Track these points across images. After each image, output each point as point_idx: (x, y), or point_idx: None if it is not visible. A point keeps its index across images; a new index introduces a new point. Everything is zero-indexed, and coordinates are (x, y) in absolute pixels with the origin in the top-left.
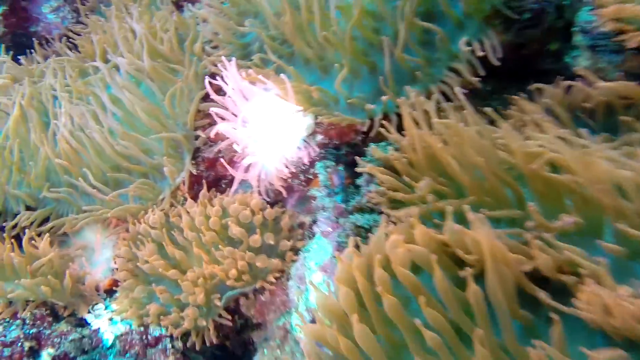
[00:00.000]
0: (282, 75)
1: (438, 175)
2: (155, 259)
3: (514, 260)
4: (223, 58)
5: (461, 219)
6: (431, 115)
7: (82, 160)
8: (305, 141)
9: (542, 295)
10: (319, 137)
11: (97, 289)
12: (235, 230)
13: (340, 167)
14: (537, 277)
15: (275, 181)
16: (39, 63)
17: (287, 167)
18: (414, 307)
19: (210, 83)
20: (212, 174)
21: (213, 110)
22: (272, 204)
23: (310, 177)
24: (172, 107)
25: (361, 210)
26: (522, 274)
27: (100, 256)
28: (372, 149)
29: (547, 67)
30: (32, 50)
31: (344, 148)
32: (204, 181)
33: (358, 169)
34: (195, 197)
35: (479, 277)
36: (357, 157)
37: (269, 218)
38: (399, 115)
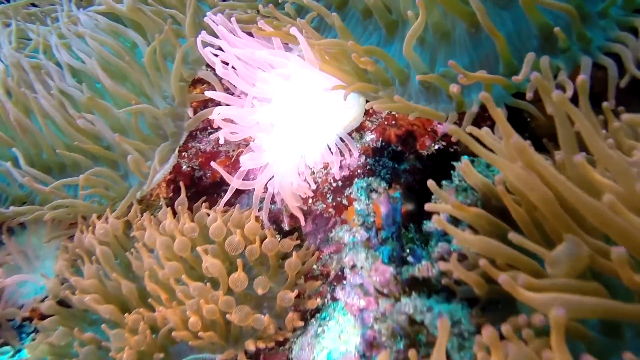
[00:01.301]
0: (293, 29)
1: (599, 239)
2: (90, 286)
3: None
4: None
5: None
6: (578, 115)
7: (28, 133)
8: (342, 140)
9: None
10: (369, 137)
11: (14, 317)
12: (208, 263)
13: (397, 193)
14: None
15: (290, 199)
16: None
17: (306, 180)
18: None
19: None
20: (207, 175)
21: (208, 93)
22: (282, 232)
23: (345, 202)
24: (154, 70)
25: (425, 286)
26: None
27: (36, 267)
28: (463, 166)
29: None
30: None
31: (410, 160)
32: (181, 184)
33: (429, 208)
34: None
35: None
36: (430, 183)
37: (269, 253)
38: (514, 111)
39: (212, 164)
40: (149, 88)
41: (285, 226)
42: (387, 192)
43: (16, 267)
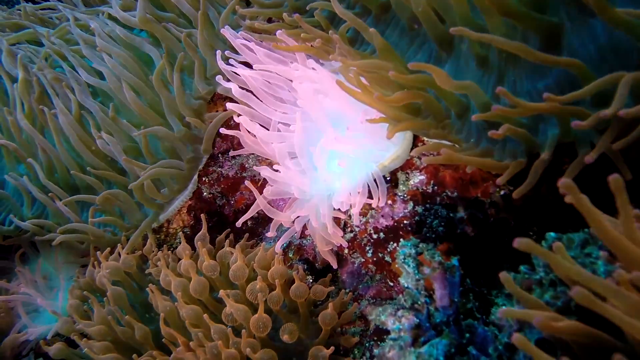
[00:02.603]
0: (310, 61)
1: None
2: (98, 333)
3: None
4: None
5: None
6: None
7: (42, 151)
8: (377, 181)
9: None
10: (417, 179)
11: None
12: (232, 309)
13: (454, 260)
14: None
15: (320, 242)
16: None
17: (337, 223)
18: None
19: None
20: (231, 202)
21: (231, 106)
22: (314, 270)
23: (387, 258)
24: (166, 90)
25: None
26: None
27: (49, 299)
28: (555, 252)
29: None
30: None
31: (468, 207)
32: (202, 217)
33: (504, 314)
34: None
35: None
36: (504, 276)
37: (298, 300)
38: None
39: (246, 182)
40: (165, 109)
41: (318, 264)
42: (443, 265)
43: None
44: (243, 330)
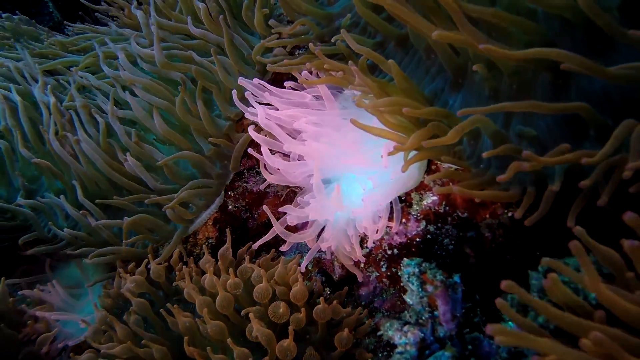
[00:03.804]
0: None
1: None
2: (121, 353)
3: None
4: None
5: None
6: None
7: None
8: (394, 207)
9: None
10: (430, 199)
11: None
12: (258, 332)
13: (456, 277)
14: None
15: (344, 259)
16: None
17: (352, 246)
18: None
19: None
20: (255, 216)
21: (252, 134)
22: (331, 283)
23: (399, 272)
24: (191, 117)
25: None
26: None
27: (78, 307)
28: (550, 283)
29: None
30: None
31: (477, 228)
32: (227, 232)
33: (499, 338)
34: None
35: None
36: (500, 302)
37: (320, 320)
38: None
39: (264, 207)
40: (194, 133)
41: (335, 276)
42: (445, 283)
43: (58, 308)
44: (266, 358)
